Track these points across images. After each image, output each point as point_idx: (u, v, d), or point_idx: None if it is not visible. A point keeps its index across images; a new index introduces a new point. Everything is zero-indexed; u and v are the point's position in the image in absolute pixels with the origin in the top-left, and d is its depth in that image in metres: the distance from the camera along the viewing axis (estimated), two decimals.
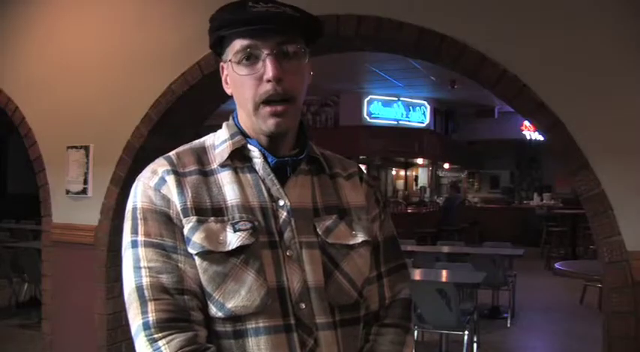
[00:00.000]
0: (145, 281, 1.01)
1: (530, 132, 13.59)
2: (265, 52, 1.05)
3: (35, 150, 4.11)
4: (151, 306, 0.99)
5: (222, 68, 1.15)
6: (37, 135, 4.11)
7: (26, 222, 8.82)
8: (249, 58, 1.06)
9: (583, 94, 2.62)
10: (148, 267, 1.01)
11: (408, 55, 3.60)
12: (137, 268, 1.02)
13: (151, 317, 0.98)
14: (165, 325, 0.98)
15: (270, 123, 1.07)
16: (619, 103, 2.56)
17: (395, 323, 1.19)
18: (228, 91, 1.15)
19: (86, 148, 3.86)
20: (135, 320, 1.00)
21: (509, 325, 5.97)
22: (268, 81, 1.05)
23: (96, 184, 3.81)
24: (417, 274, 4.53)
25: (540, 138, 12.20)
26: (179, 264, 1.02)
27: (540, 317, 6.43)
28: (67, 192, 3.93)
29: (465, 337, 4.10)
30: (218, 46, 1.13)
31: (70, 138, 3.93)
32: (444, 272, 4.63)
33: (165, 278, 1.01)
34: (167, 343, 0.97)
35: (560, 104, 2.63)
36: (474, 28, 2.81)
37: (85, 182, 3.86)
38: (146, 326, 0.98)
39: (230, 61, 1.09)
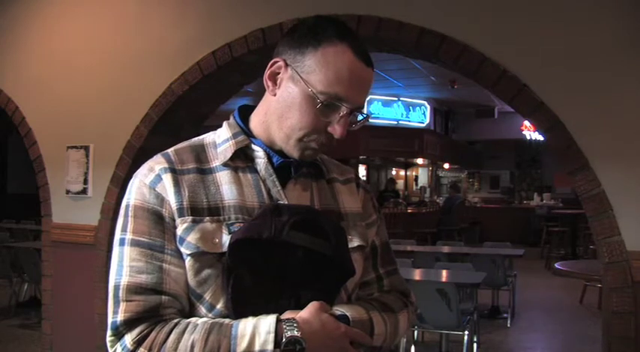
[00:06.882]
0: (123, 280, 1.01)
1: (530, 132, 13.59)
2: (346, 110, 1.05)
3: (35, 150, 4.11)
4: (122, 307, 1.00)
5: (281, 67, 1.08)
6: (37, 135, 4.11)
7: (26, 222, 8.83)
8: (330, 105, 1.05)
9: (583, 94, 2.62)
10: (130, 266, 1.02)
11: (408, 55, 3.59)
12: (120, 266, 1.03)
13: (120, 317, 0.99)
14: (132, 323, 0.99)
15: (307, 155, 1.10)
16: (619, 103, 2.56)
17: (396, 292, 1.23)
18: (272, 92, 1.10)
19: (86, 148, 3.86)
20: (108, 318, 1.02)
21: (509, 325, 5.97)
22: (329, 133, 1.07)
23: (96, 184, 3.81)
24: (417, 274, 4.52)
25: (540, 138, 12.19)
26: (163, 265, 1.02)
27: (540, 317, 6.44)
28: (67, 192, 3.93)
29: (465, 337, 4.10)
30: (304, 46, 1.06)
31: (70, 138, 3.93)
32: (444, 273, 4.62)
33: (144, 278, 1.01)
34: (130, 332, 0.98)
35: (560, 104, 2.63)
36: (474, 28, 2.81)
37: (85, 182, 3.86)
38: (114, 325, 0.99)
39: (307, 82, 1.04)
